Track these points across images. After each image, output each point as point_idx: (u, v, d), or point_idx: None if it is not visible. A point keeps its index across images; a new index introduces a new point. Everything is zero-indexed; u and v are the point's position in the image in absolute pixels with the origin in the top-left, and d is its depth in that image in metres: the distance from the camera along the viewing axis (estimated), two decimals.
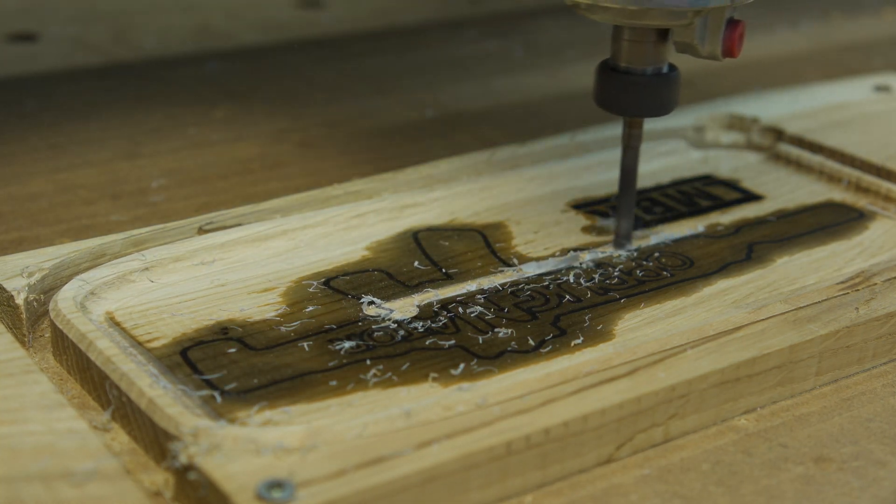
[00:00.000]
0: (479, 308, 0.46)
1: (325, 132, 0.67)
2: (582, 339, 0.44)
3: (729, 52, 0.47)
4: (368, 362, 0.42)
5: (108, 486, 0.36)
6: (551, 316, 0.45)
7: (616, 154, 0.59)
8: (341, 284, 0.47)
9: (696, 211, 0.55)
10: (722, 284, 0.48)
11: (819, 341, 0.44)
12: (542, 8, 0.93)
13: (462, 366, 0.42)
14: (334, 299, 0.46)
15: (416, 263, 0.49)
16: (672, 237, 0.52)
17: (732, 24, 0.47)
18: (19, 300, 0.44)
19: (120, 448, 0.40)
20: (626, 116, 0.49)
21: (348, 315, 0.45)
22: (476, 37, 0.86)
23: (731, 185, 0.57)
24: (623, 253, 0.50)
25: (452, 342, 0.44)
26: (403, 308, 0.46)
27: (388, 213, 0.53)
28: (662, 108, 0.49)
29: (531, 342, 0.44)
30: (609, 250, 0.50)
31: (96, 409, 0.41)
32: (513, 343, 0.44)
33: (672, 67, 0.49)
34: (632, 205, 0.51)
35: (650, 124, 0.61)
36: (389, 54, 0.81)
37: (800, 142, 0.60)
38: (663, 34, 0.47)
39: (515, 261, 0.49)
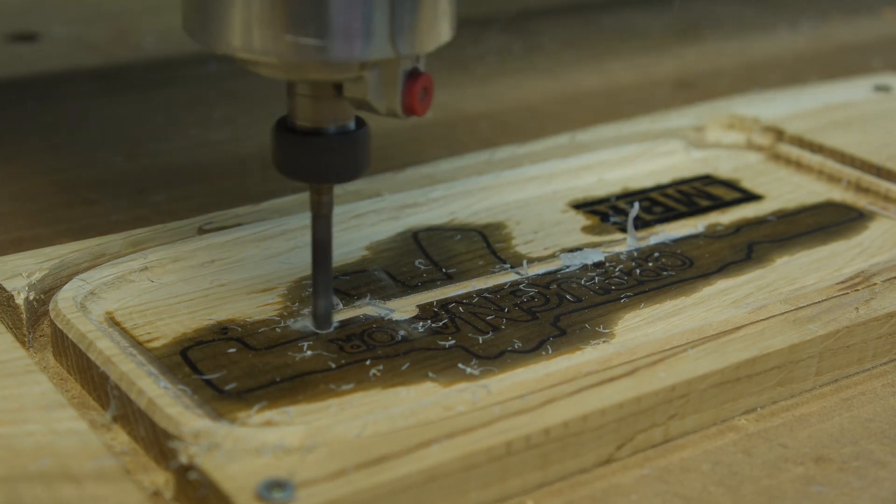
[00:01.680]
0: (479, 308, 0.46)
1: None
2: (582, 339, 0.44)
3: (410, 109, 0.40)
4: (368, 362, 0.42)
5: (108, 486, 0.36)
6: (551, 316, 0.45)
7: (616, 154, 0.59)
8: (341, 284, 0.47)
9: (696, 211, 0.55)
10: (722, 284, 0.48)
11: (819, 341, 0.44)
12: (542, 8, 0.93)
13: (462, 366, 0.42)
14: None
15: (416, 263, 0.49)
16: (672, 237, 0.52)
17: (413, 77, 0.40)
18: (19, 300, 0.44)
19: (120, 448, 0.40)
20: (312, 182, 0.42)
21: (348, 315, 0.45)
22: (476, 37, 0.86)
23: (731, 185, 0.57)
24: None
25: (452, 342, 0.44)
26: (403, 308, 0.46)
27: (388, 213, 0.53)
28: (352, 170, 0.42)
29: (531, 342, 0.44)
30: (610, 250, 0.50)
31: (96, 409, 0.41)
32: (513, 343, 0.44)
33: (360, 123, 0.42)
34: (328, 282, 0.43)
35: (650, 125, 0.61)
36: None
37: (800, 142, 0.60)
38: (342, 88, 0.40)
39: (517, 261, 0.49)
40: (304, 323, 0.44)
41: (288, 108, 0.41)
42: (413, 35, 0.39)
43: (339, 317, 0.45)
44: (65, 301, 0.44)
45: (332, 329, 0.44)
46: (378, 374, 0.41)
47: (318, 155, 0.41)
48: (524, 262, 0.49)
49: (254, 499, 0.35)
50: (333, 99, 0.40)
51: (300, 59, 0.38)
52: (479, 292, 0.47)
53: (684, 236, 0.52)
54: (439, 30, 0.40)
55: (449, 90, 0.74)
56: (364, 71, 0.39)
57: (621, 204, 0.55)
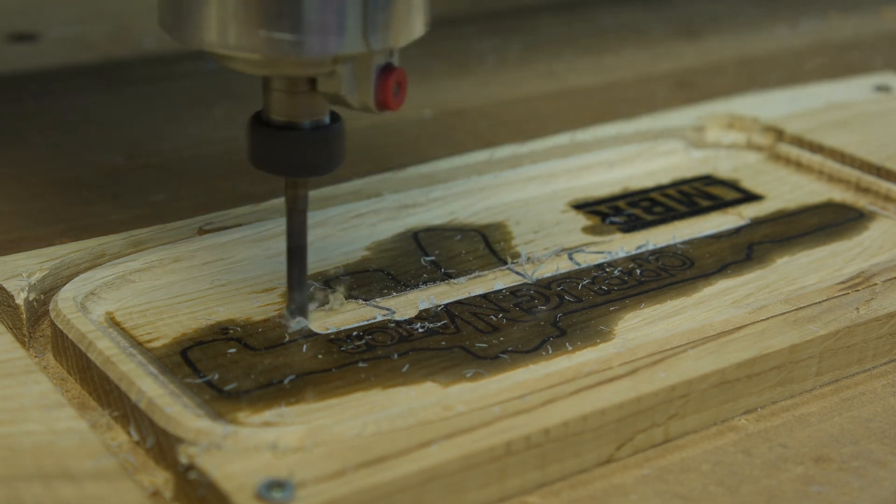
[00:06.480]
0: (479, 308, 0.46)
1: None
2: (582, 339, 0.44)
3: (383, 103, 0.40)
4: (368, 363, 0.42)
5: (108, 486, 0.36)
6: (551, 316, 0.45)
7: (616, 154, 0.59)
8: (341, 284, 0.47)
9: (696, 211, 0.55)
10: (722, 284, 0.48)
11: (819, 341, 0.44)
12: (541, 5, 0.93)
13: (462, 366, 0.42)
14: None
15: (416, 263, 0.49)
16: (672, 237, 0.52)
17: (386, 72, 0.40)
18: (19, 300, 0.44)
19: (120, 448, 0.40)
20: (288, 176, 0.43)
21: (349, 315, 0.45)
22: (475, 35, 0.86)
23: (731, 185, 0.57)
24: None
25: (452, 342, 0.43)
26: (403, 308, 0.46)
27: (388, 213, 0.53)
28: (327, 164, 0.42)
29: (531, 342, 0.44)
30: (607, 255, 0.50)
31: (96, 409, 0.41)
32: (513, 343, 0.44)
33: (335, 118, 0.42)
34: (304, 276, 0.44)
35: (649, 124, 0.61)
36: None
37: (800, 142, 0.60)
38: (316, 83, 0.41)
39: (517, 260, 0.49)
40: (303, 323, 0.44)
41: (263, 102, 0.42)
42: (386, 30, 0.39)
43: (339, 317, 0.45)
44: (65, 301, 0.44)
45: (306, 321, 0.44)
46: (378, 374, 0.41)
47: (294, 148, 0.41)
48: (524, 261, 0.49)
49: (253, 498, 0.35)
50: (308, 94, 0.41)
51: (274, 55, 0.38)
52: (480, 292, 0.47)
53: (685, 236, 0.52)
54: (412, 25, 0.40)
55: (449, 90, 0.74)
56: (337, 66, 0.39)
57: (622, 204, 0.55)
